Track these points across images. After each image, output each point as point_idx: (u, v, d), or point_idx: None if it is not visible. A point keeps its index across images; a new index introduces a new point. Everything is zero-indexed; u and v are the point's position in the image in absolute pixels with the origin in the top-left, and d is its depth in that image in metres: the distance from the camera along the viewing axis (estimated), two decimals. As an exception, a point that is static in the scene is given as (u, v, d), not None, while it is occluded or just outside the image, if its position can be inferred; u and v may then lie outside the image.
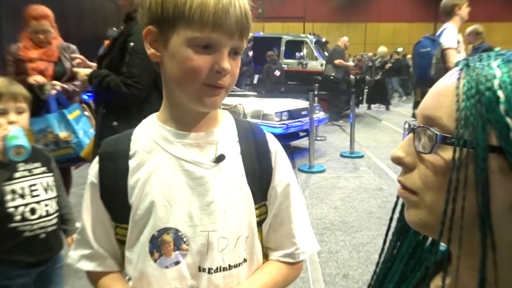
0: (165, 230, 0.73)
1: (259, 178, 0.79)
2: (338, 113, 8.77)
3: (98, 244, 0.79)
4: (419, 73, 3.79)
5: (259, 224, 0.80)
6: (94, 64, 2.10)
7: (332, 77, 8.38)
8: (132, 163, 0.75)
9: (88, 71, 1.98)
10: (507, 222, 0.42)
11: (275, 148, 0.83)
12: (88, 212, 0.79)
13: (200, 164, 0.74)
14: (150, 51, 0.72)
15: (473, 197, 0.42)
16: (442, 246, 0.48)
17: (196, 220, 0.73)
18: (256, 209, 0.78)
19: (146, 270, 0.73)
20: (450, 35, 3.55)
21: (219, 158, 0.75)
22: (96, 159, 0.79)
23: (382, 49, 11.92)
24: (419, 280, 0.55)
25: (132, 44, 1.82)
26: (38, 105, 2.42)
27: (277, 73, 9.44)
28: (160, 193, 0.73)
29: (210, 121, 0.77)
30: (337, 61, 8.35)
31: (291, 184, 0.83)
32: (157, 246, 0.73)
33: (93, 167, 0.79)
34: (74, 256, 0.81)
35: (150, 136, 0.76)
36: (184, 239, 0.73)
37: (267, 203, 0.81)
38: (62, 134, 2.48)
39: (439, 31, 3.69)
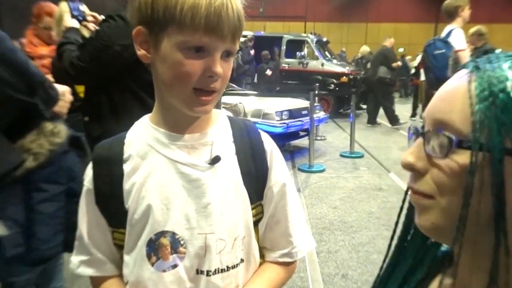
0: (162, 234, 0.72)
1: (255, 179, 0.79)
2: (393, 114, 8.63)
3: (96, 249, 0.78)
4: (437, 75, 3.73)
5: (255, 224, 0.80)
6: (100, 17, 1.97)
7: (388, 80, 8.41)
8: (126, 167, 0.74)
9: (70, 25, 1.89)
10: None
11: (271, 148, 0.83)
12: (84, 218, 0.78)
13: (196, 166, 0.73)
14: (140, 52, 0.70)
15: (488, 200, 0.42)
16: (444, 246, 0.48)
17: (193, 223, 0.72)
18: (252, 209, 0.78)
19: (143, 274, 0.73)
20: (460, 36, 3.55)
21: (215, 160, 0.74)
22: (90, 164, 0.78)
23: (365, 48, 12.00)
24: (420, 279, 0.55)
25: (98, 28, 1.73)
26: None
27: (268, 72, 9.44)
28: (157, 197, 0.72)
29: (204, 122, 0.76)
30: (395, 64, 8.49)
31: (287, 183, 0.83)
32: (154, 249, 0.72)
33: (88, 173, 0.78)
34: (74, 262, 0.81)
35: (143, 139, 0.75)
36: (182, 242, 0.72)
37: (263, 203, 0.81)
38: None
39: (444, 33, 3.68)
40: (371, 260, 2.83)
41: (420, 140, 0.48)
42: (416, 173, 0.48)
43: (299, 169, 5.16)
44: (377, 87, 8.43)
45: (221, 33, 0.65)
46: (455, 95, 0.45)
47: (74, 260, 0.81)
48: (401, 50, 14.99)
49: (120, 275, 0.80)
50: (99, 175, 0.76)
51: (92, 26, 1.92)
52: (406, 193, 0.52)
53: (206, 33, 0.64)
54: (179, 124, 0.74)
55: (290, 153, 6.10)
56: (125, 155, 0.75)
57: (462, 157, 0.43)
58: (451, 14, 3.61)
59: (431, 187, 0.46)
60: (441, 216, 0.46)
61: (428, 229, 0.48)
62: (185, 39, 0.64)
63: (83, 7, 1.97)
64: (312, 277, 2.64)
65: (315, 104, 5.80)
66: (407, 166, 0.48)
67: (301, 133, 6.06)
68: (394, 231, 0.59)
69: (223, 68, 0.68)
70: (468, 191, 0.42)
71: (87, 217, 0.78)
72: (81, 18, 1.91)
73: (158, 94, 0.75)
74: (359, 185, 4.62)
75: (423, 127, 0.50)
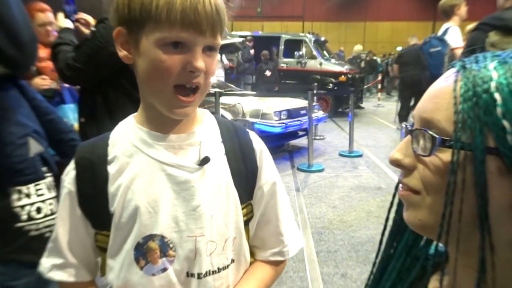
0: (151, 237, 0.70)
1: (245, 178, 0.78)
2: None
3: (72, 254, 0.76)
4: (432, 73, 3.75)
5: (246, 223, 0.79)
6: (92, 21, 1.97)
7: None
8: (111, 169, 0.72)
9: (64, 25, 1.89)
10: (505, 222, 0.43)
11: (260, 147, 0.82)
12: (62, 221, 0.76)
13: (184, 168, 0.72)
14: (122, 53, 0.70)
15: (471, 199, 0.42)
16: (440, 246, 0.48)
17: (182, 226, 0.71)
18: (242, 208, 0.78)
19: (132, 278, 0.71)
20: (456, 35, 3.56)
21: (204, 161, 0.72)
22: (72, 165, 0.75)
23: (358, 47, 12.08)
24: (415, 278, 0.56)
25: (93, 29, 1.74)
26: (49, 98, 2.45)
27: (268, 73, 9.44)
28: (144, 199, 0.70)
29: (190, 121, 0.75)
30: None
31: (277, 182, 0.83)
32: (142, 253, 0.71)
33: (69, 174, 0.75)
34: (46, 265, 0.78)
35: (128, 139, 0.73)
36: (171, 246, 0.71)
37: (252, 202, 0.80)
38: (77, 125, 2.49)
39: (441, 31, 3.70)
40: (371, 259, 2.82)
41: (408, 137, 0.49)
42: (404, 169, 0.49)
43: (298, 169, 5.16)
44: (427, 86, 8.26)
45: (198, 27, 0.64)
46: (441, 95, 0.46)
47: (46, 263, 0.78)
48: (399, 48, 15.00)
49: (92, 281, 0.79)
50: (82, 177, 0.73)
51: (84, 28, 1.92)
52: (396, 188, 0.52)
53: (183, 28, 0.63)
54: (164, 124, 0.72)
55: (289, 153, 6.11)
56: (110, 157, 0.73)
57: (446, 155, 0.44)
58: (448, 13, 3.63)
59: (419, 183, 0.47)
60: (428, 213, 0.47)
61: (415, 226, 0.49)
62: (163, 36, 0.64)
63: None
64: (312, 277, 2.64)
65: (314, 103, 5.80)
66: (394, 162, 0.50)
67: (300, 133, 6.07)
68: (385, 227, 0.60)
69: (206, 63, 0.66)
70: (450, 189, 0.43)
71: (66, 219, 0.76)
72: (74, 19, 1.92)
73: (141, 93, 0.74)
74: (358, 184, 4.62)
75: (412, 124, 0.50)
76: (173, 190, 0.71)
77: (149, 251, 0.71)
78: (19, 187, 1.38)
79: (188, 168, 0.72)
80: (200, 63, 0.65)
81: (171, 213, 0.71)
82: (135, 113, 0.77)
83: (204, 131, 0.76)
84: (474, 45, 2.32)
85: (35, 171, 1.35)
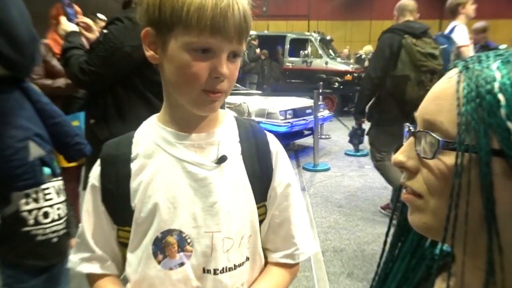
0: (169, 232, 0.73)
1: (259, 179, 0.79)
2: None
3: (98, 247, 0.78)
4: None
5: (259, 223, 0.80)
6: (95, 29, 1.94)
7: None
8: (134, 166, 0.75)
9: (70, 28, 1.87)
10: None
11: (276, 149, 0.83)
12: (88, 215, 0.78)
13: (202, 165, 0.74)
14: (148, 53, 0.72)
15: (477, 201, 0.42)
16: (446, 246, 0.48)
17: (200, 221, 0.73)
18: (257, 208, 0.79)
19: (149, 272, 0.73)
20: (462, 33, 3.57)
21: (221, 159, 0.75)
22: (98, 162, 0.79)
23: (368, 48, 12.14)
24: (420, 279, 0.56)
25: (105, 31, 1.72)
26: (70, 102, 2.49)
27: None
28: (163, 195, 0.73)
29: (211, 122, 0.77)
30: None
31: (292, 185, 0.83)
32: (160, 248, 0.73)
33: (95, 170, 0.79)
34: (74, 260, 0.80)
35: (151, 138, 0.76)
36: (188, 241, 0.73)
37: (266, 204, 0.81)
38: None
39: (448, 29, 3.70)
40: (377, 259, 2.79)
41: (411, 139, 0.49)
42: (408, 172, 0.48)
43: (304, 168, 5.15)
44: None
45: (227, 34, 0.65)
46: (444, 96, 0.45)
47: (74, 258, 0.80)
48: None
49: (119, 276, 0.81)
50: (106, 173, 0.77)
51: (86, 32, 1.91)
52: (399, 189, 0.52)
53: (212, 34, 0.64)
54: (186, 124, 0.75)
55: (295, 152, 6.10)
56: (133, 154, 0.76)
57: (449, 159, 0.43)
58: (453, 12, 3.68)
59: (422, 186, 0.47)
60: (433, 216, 0.46)
61: (420, 229, 0.49)
62: (192, 40, 0.65)
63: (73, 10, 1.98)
64: (318, 276, 2.64)
65: (320, 102, 5.79)
66: (398, 165, 0.49)
67: (306, 132, 6.05)
68: (389, 227, 0.60)
69: (229, 69, 0.69)
70: (454, 192, 0.42)
71: (91, 214, 0.79)
72: (74, 23, 1.92)
73: (166, 94, 0.76)
74: (364, 184, 4.61)
75: (415, 126, 0.50)
76: (191, 187, 0.74)
77: (167, 245, 0.73)
78: (26, 191, 1.38)
79: (206, 166, 0.74)
80: (225, 69, 0.67)
81: (189, 209, 0.73)
82: (158, 113, 0.79)
83: (223, 131, 0.78)
84: (392, 44, 3.09)
85: (34, 176, 1.33)
